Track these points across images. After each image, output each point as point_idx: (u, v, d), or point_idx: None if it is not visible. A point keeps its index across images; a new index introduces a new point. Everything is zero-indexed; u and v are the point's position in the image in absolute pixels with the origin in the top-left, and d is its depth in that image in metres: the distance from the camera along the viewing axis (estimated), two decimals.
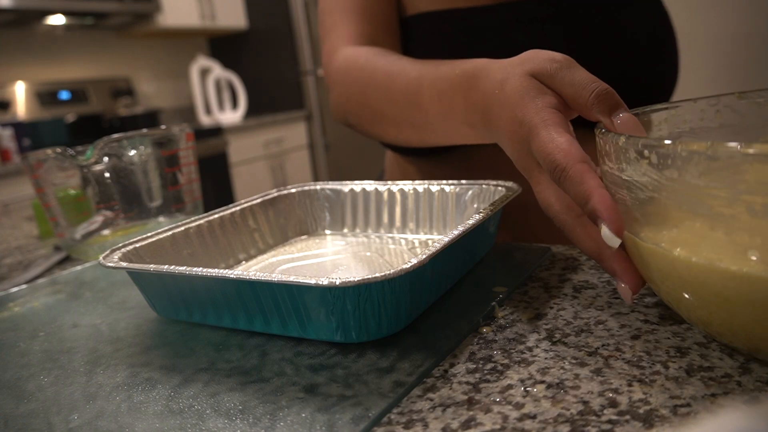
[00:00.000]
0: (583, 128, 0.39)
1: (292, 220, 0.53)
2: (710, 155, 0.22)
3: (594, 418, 0.23)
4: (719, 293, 0.24)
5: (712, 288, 0.24)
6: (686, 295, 0.26)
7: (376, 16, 0.59)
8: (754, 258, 0.22)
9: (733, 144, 0.21)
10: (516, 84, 0.35)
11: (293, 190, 0.53)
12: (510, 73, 0.36)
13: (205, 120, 3.03)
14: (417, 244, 0.47)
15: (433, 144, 0.51)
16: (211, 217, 0.46)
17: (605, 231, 0.27)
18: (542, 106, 0.33)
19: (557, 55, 0.35)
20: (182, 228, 0.44)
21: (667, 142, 0.23)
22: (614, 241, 0.27)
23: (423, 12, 0.58)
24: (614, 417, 0.23)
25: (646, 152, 0.25)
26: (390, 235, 0.50)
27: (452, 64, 0.44)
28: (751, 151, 0.21)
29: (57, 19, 2.54)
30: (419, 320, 0.33)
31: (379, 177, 0.76)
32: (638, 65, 0.55)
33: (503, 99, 0.36)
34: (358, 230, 0.52)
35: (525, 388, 0.26)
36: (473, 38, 0.55)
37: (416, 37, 0.59)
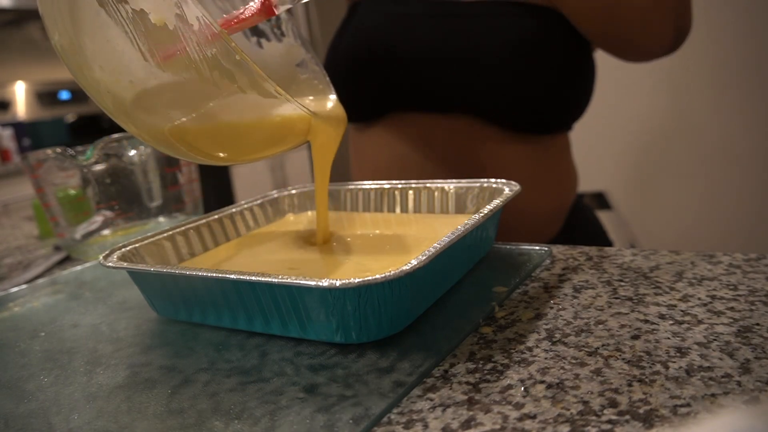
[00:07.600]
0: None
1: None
2: None
3: (594, 418, 0.23)
4: None
5: None
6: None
7: None
8: None
9: None
10: None
11: (293, 191, 0.53)
12: None
13: None
14: None
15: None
16: (211, 217, 0.46)
17: None
18: None
19: None
20: (182, 228, 0.44)
21: None
22: None
23: None
24: (614, 417, 0.23)
25: None
26: None
27: None
28: None
29: None
30: (419, 320, 0.33)
31: None
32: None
33: None
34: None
35: (525, 388, 0.26)
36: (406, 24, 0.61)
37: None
